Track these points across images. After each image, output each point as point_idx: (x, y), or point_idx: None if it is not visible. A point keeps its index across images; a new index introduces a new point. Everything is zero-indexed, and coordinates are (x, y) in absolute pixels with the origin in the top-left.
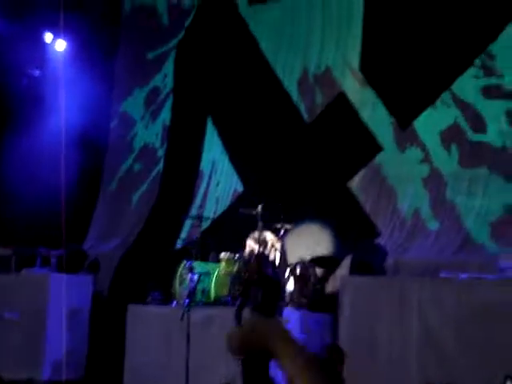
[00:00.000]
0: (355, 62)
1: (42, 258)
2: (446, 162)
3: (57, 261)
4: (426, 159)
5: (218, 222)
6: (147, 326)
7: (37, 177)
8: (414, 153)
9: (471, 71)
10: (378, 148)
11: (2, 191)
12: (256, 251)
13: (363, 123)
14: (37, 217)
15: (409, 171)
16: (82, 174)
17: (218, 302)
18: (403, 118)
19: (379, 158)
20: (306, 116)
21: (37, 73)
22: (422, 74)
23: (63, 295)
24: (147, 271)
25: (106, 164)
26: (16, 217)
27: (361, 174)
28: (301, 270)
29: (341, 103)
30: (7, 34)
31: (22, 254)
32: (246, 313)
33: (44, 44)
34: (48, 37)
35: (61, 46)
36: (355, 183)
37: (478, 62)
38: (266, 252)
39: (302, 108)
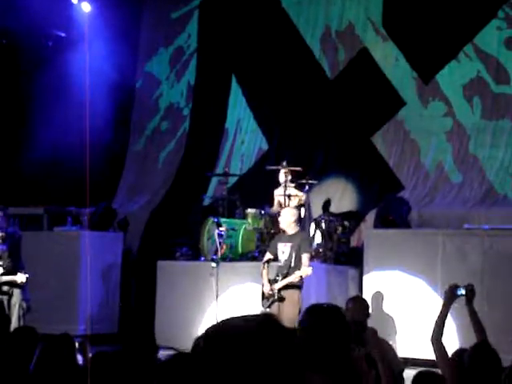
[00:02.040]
0: (377, 17)
1: (73, 217)
2: (469, 114)
3: (87, 219)
4: (449, 113)
5: (243, 179)
6: (176, 280)
7: (66, 138)
8: (437, 106)
9: (494, 23)
10: (400, 102)
11: (33, 153)
12: (282, 206)
13: (386, 78)
14: (67, 177)
15: (432, 125)
16: (109, 133)
17: (245, 257)
18: (426, 72)
19: (402, 113)
20: (328, 72)
21: (62, 34)
22: (444, 27)
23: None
24: (175, 228)
25: (132, 124)
26: (47, 177)
27: (384, 128)
28: (326, 225)
29: (363, 59)
30: None
31: (54, 213)
32: None
33: (70, 5)
34: None
35: (86, 7)
36: (379, 138)
37: (500, 13)
38: (292, 206)
39: (325, 64)
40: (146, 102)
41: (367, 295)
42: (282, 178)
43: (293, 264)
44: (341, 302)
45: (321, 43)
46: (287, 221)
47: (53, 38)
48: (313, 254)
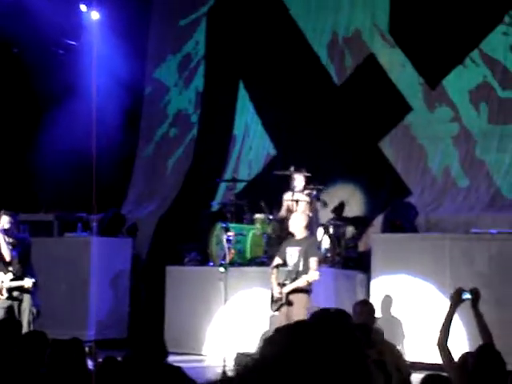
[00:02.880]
0: (384, 24)
1: (83, 223)
2: (476, 119)
3: (97, 225)
4: (456, 118)
5: (251, 184)
6: (185, 286)
7: (75, 144)
8: (444, 112)
9: (500, 28)
10: (407, 108)
11: (43, 160)
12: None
13: (393, 84)
14: (77, 184)
15: (439, 130)
16: (118, 140)
17: (254, 262)
18: (432, 77)
19: (409, 118)
20: (335, 78)
21: (73, 42)
22: (450, 33)
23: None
24: (184, 233)
25: (141, 130)
26: (57, 184)
27: (391, 133)
28: (333, 229)
29: (370, 65)
30: (44, 5)
31: (64, 219)
32: None
33: (79, 14)
34: (83, 7)
35: (95, 15)
36: (386, 143)
37: (507, 18)
38: (299, 212)
39: (332, 70)
40: (155, 108)
41: (375, 299)
42: (299, 183)
43: (301, 268)
44: (349, 307)
45: (328, 50)
46: (298, 225)
47: (63, 47)
48: (321, 258)
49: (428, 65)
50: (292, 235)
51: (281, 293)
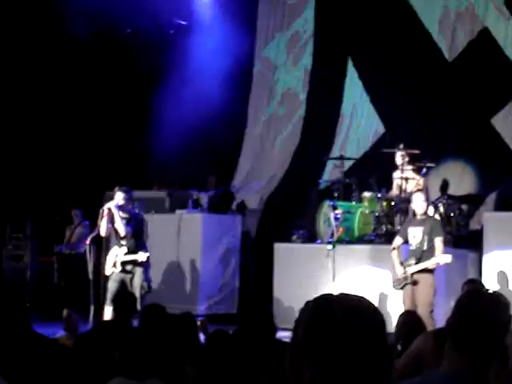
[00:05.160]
0: None
1: (194, 200)
2: None
3: (207, 202)
4: None
5: (359, 162)
6: (293, 263)
7: (187, 123)
8: None
9: None
10: None
11: (156, 138)
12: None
13: (507, 59)
14: (188, 162)
15: None
16: (228, 118)
17: (362, 240)
18: None
19: None
20: (447, 54)
21: (183, 22)
22: None
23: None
24: (292, 211)
25: (250, 109)
26: (169, 162)
27: (505, 110)
28: (444, 208)
29: (484, 40)
30: None
31: (176, 196)
32: None
33: None
34: None
35: None
36: (499, 119)
37: None
38: (409, 190)
39: (443, 46)
40: (264, 87)
41: (487, 278)
42: (398, 160)
43: (425, 248)
44: (459, 286)
45: (439, 25)
46: (421, 205)
47: (174, 26)
48: (447, 238)
49: None
50: (414, 215)
51: (405, 272)
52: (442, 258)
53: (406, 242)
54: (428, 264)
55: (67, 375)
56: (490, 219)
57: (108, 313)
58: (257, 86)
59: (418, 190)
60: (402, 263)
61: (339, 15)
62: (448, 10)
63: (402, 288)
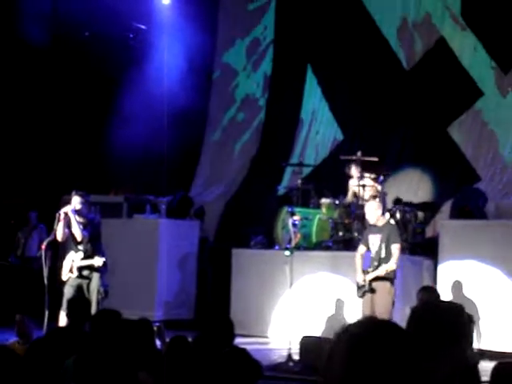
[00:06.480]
0: (456, 6)
1: (151, 205)
2: None
3: (165, 207)
4: None
5: (318, 169)
6: (251, 268)
7: (145, 128)
8: None
9: None
10: (478, 93)
11: (114, 143)
12: (357, 197)
13: (463, 68)
14: (146, 167)
15: (510, 115)
16: (186, 124)
17: (319, 246)
18: (505, 61)
19: (480, 104)
20: (404, 63)
21: (143, 26)
22: None
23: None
24: (250, 217)
25: (209, 114)
26: (127, 167)
27: (461, 119)
28: (401, 215)
29: (440, 49)
30: None
31: (133, 201)
32: None
33: None
34: None
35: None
36: (455, 128)
37: None
38: (367, 197)
39: (401, 55)
40: (223, 92)
41: (442, 285)
42: (354, 172)
43: (383, 255)
44: (414, 293)
45: (397, 34)
46: (373, 214)
47: (134, 31)
48: (403, 245)
49: (501, 48)
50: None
51: (364, 280)
52: (389, 265)
53: (368, 249)
54: (379, 272)
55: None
56: (445, 227)
57: (63, 318)
58: (216, 92)
59: (373, 197)
60: (363, 271)
61: (299, 22)
62: (406, 19)
63: (362, 296)
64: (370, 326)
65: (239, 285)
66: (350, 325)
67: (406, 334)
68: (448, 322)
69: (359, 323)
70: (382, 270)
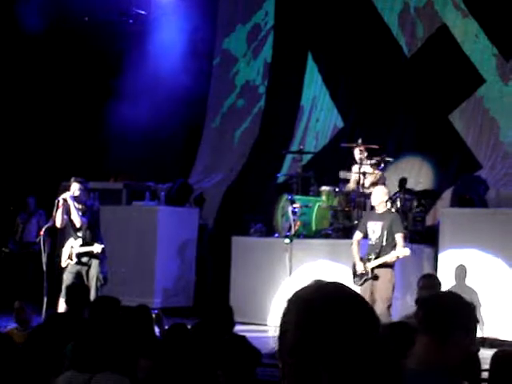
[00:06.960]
0: None
1: (151, 192)
2: None
3: (164, 194)
4: None
5: (318, 156)
6: (250, 256)
7: (146, 115)
8: None
9: None
10: (480, 80)
11: (113, 129)
12: (358, 184)
13: (465, 55)
14: (146, 153)
15: None
16: (186, 110)
17: (319, 234)
18: (507, 48)
19: (481, 91)
20: (406, 49)
21: (142, 12)
22: None
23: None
24: (250, 204)
25: (209, 101)
26: (127, 153)
27: (462, 106)
28: (401, 203)
29: (442, 36)
30: None
31: (133, 188)
32: None
33: None
34: None
35: None
36: (456, 116)
37: None
38: (367, 185)
39: (403, 42)
40: (223, 79)
41: (442, 273)
42: (357, 155)
43: (384, 243)
44: (415, 281)
45: (399, 20)
46: (380, 199)
47: (133, 16)
48: (407, 234)
49: (503, 35)
50: (372, 208)
51: (365, 268)
52: (400, 251)
53: (365, 236)
54: (387, 258)
55: (18, 369)
56: (446, 215)
57: (62, 305)
58: (216, 78)
59: (374, 184)
60: (361, 259)
61: (300, 9)
62: (408, 5)
63: (362, 284)
64: (319, 289)
65: (239, 272)
66: (299, 290)
67: (356, 296)
68: (462, 314)
69: (307, 287)
70: (392, 257)
